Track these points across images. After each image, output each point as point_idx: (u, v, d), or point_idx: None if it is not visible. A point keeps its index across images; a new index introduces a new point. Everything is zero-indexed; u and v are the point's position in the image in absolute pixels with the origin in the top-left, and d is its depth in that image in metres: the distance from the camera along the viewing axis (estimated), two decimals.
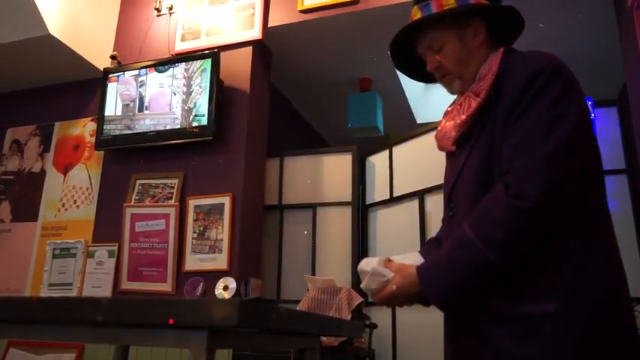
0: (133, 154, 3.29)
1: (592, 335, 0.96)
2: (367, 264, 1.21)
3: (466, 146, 1.15)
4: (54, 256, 3.26)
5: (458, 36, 1.19)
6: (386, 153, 3.36)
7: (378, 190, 3.35)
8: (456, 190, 1.17)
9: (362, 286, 1.22)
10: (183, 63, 3.22)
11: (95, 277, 3.12)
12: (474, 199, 1.07)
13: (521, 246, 0.99)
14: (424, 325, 2.68)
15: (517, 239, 0.99)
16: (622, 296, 1.05)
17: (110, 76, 3.39)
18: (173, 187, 3.13)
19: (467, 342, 1.08)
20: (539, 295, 0.98)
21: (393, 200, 3.23)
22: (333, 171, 3.36)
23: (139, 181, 3.23)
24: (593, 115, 2.23)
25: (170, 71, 3.24)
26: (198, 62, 3.17)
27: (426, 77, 1.32)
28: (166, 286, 2.93)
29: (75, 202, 3.38)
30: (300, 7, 3.20)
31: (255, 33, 3.22)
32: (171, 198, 3.10)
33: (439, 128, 1.29)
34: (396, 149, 3.31)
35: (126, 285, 3.02)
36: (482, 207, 1.04)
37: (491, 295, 1.03)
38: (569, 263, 0.99)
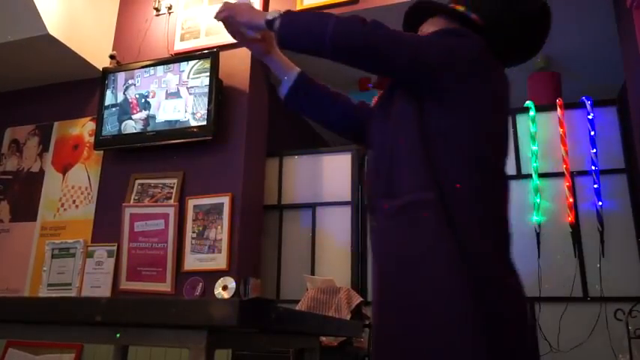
0: (132, 154, 3.29)
1: (466, 218, 1.11)
2: None
3: None
4: (53, 256, 3.25)
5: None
6: None
7: None
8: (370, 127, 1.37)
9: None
10: (183, 63, 3.22)
11: (94, 277, 3.12)
12: (377, 132, 1.29)
13: (348, 49, 1.22)
14: None
15: (348, 41, 1.22)
16: (490, 192, 1.18)
17: (109, 75, 3.39)
18: (172, 187, 3.13)
19: (373, 255, 1.24)
20: (418, 188, 1.14)
21: None
22: (333, 171, 3.36)
23: (138, 181, 3.22)
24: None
25: (169, 71, 3.24)
26: (198, 62, 3.17)
27: None
28: (165, 286, 2.93)
29: (74, 202, 3.38)
30: (299, 7, 3.20)
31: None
32: (170, 198, 3.10)
33: None
34: None
35: (125, 285, 3.02)
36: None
37: (379, 197, 1.20)
38: (443, 163, 1.16)
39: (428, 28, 1.34)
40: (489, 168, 1.20)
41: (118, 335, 0.94)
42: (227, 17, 1.34)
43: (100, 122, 3.32)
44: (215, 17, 1.37)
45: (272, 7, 3.31)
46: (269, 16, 1.27)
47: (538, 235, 2.74)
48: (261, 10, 3.22)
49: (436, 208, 1.11)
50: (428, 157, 1.15)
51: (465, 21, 1.29)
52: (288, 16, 1.26)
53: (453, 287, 1.07)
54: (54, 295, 3.15)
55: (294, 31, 1.25)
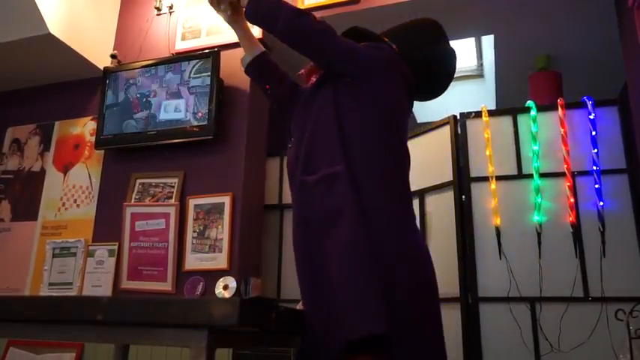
0: (133, 154, 3.29)
1: (369, 185, 1.38)
2: None
3: None
4: (54, 256, 3.26)
5: None
6: None
7: None
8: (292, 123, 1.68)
9: None
10: (184, 62, 3.22)
11: (95, 277, 3.12)
12: (298, 123, 1.60)
13: (295, 33, 1.50)
14: None
15: (297, 30, 1.50)
16: (393, 165, 1.47)
17: (110, 75, 3.39)
18: (173, 187, 3.13)
19: (294, 223, 1.51)
20: (330, 164, 1.41)
21: None
22: None
23: (139, 181, 3.22)
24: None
25: (170, 70, 3.24)
26: (199, 62, 3.17)
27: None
28: (166, 286, 2.93)
29: (75, 201, 3.38)
30: (300, 7, 3.19)
31: (256, 32, 3.21)
32: (171, 197, 3.10)
33: None
34: None
35: (126, 284, 3.02)
36: None
37: (302, 174, 1.46)
38: (351, 142, 1.43)
39: None
40: (389, 149, 1.46)
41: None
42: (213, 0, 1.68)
43: (101, 122, 3.32)
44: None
45: None
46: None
47: (539, 235, 2.74)
48: None
49: (344, 178, 1.37)
50: (340, 138, 1.42)
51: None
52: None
53: (354, 240, 1.30)
54: (55, 294, 3.15)
55: (256, 9, 1.55)
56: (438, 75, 1.68)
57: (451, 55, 1.69)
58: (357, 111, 1.46)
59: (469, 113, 3.03)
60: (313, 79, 1.65)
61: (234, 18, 1.72)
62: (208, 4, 1.72)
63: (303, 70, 1.71)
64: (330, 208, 1.37)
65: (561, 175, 2.80)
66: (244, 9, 1.57)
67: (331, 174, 1.39)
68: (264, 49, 1.79)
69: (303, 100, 1.62)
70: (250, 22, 1.64)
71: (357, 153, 1.40)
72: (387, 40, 1.65)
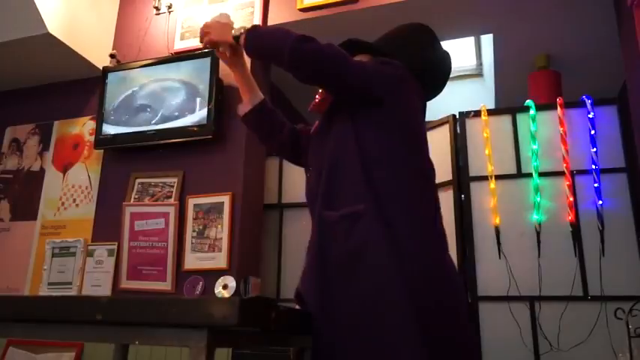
0: (132, 153, 3.29)
1: (393, 226, 1.28)
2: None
3: None
4: (53, 255, 3.25)
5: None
6: None
7: None
8: (309, 152, 1.60)
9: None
10: (183, 62, 3.21)
11: (94, 276, 3.12)
12: (315, 152, 1.51)
13: (304, 63, 1.37)
14: None
15: (303, 57, 1.37)
16: (419, 198, 1.36)
17: (110, 74, 3.39)
18: (172, 186, 3.13)
19: (308, 256, 1.45)
20: (352, 202, 1.32)
21: None
22: None
23: (138, 180, 3.22)
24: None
25: (169, 70, 3.24)
26: (198, 61, 3.17)
27: None
28: (166, 285, 2.93)
29: (74, 200, 3.38)
30: (299, 6, 3.19)
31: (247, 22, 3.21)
32: (170, 197, 3.10)
33: None
34: None
35: (125, 284, 3.02)
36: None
37: (322, 208, 1.38)
38: (376, 174, 1.34)
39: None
40: (416, 172, 1.38)
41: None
42: (209, 41, 1.57)
43: (100, 121, 3.32)
44: (201, 43, 1.61)
45: (272, 5, 3.31)
46: (235, 32, 1.49)
47: (538, 234, 2.74)
48: (262, 13, 3.24)
49: (369, 216, 1.28)
50: (362, 171, 1.33)
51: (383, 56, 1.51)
52: (252, 32, 1.46)
53: (384, 283, 1.22)
54: (54, 294, 3.15)
55: (258, 44, 1.46)
56: (437, 79, 1.64)
57: (447, 57, 1.64)
58: (381, 140, 1.37)
59: (468, 112, 3.03)
60: (325, 108, 1.55)
61: (234, 60, 1.61)
62: (203, 45, 1.62)
63: (313, 105, 1.58)
64: (354, 248, 1.28)
65: (560, 174, 2.80)
66: (244, 47, 1.47)
67: (355, 212, 1.30)
68: (263, 97, 1.68)
69: (318, 130, 1.53)
70: (253, 58, 1.55)
71: (382, 187, 1.32)
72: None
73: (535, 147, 2.87)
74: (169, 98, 3.19)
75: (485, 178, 2.88)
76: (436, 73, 1.61)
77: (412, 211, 1.32)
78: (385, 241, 1.25)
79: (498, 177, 2.88)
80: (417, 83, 1.51)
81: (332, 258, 1.33)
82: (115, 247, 3.11)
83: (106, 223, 3.20)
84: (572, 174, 2.78)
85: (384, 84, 1.40)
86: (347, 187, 1.35)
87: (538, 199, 2.79)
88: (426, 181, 1.42)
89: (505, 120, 2.99)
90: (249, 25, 1.50)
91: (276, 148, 1.75)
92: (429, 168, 1.44)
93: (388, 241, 1.25)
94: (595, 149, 2.78)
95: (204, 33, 1.57)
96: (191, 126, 3.07)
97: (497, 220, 2.80)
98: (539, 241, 2.74)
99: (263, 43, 1.45)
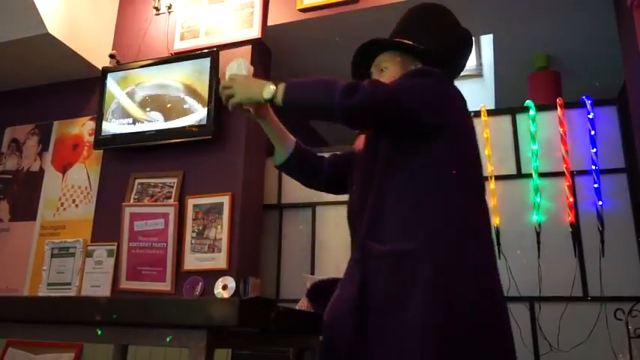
0: (131, 154, 3.29)
1: (443, 270, 1.18)
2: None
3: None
4: (53, 256, 3.25)
5: (401, 66, 1.44)
6: None
7: None
8: (355, 169, 1.46)
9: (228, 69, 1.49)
10: (183, 62, 3.21)
11: (94, 277, 3.11)
12: (362, 174, 1.38)
13: (359, 114, 1.26)
14: None
15: (356, 110, 1.25)
16: (473, 240, 1.26)
17: (109, 74, 3.38)
18: (172, 187, 3.12)
19: (346, 284, 1.30)
20: (401, 238, 1.23)
21: None
22: None
23: (137, 181, 3.22)
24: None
25: (169, 70, 3.23)
26: (198, 61, 3.17)
27: None
28: (165, 286, 2.93)
29: (74, 201, 3.37)
30: (299, 6, 3.19)
31: (255, 32, 3.22)
32: (170, 197, 3.09)
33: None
34: None
35: (125, 284, 3.02)
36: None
37: (367, 237, 1.28)
38: (428, 215, 1.24)
39: (386, 61, 1.46)
40: (472, 207, 1.29)
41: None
42: (235, 104, 1.40)
43: (99, 121, 3.32)
44: (226, 106, 1.43)
45: (271, 6, 3.30)
46: (267, 94, 1.33)
47: (538, 234, 2.74)
48: (262, 13, 3.23)
49: (420, 255, 1.19)
50: (414, 204, 1.25)
51: (414, 52, 1.44)
52: (288, 93, 1.31)
53: (426, 342, 1.13)
54: (54, 294, 3.14)
55: (297, 106, 1.34)
56: (467, 54, 1.55)
57: (467, 30, 1.54)
58: (438, 166, 1.28)
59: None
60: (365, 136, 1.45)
61: (261, 113, 1.48)
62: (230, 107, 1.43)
63: (355, 146, 1.49)
64: (399, 288, 1.20)
65: (560, 174, 2.80)
66: (280, 110, 1.34)
67: (405, 251, 1.22)
68: (295, 139, 1.58)
69: (365, 148, 1.41)
70: (293, 115, 1.40)
71: (435, 224, 1.23)
72: (411, 42, 1.44)
73: (535, 147, 2.87)
74: (169, 98, 3.18)
75: (485, 178, 2.88)
76: (466, 49, 1.53)
77: (465, 256, 1.22)
78: (432, 293, 1.16)
79: (498, 177, 2.88)
80: (452, 82, 1.44)
81: (375, 295, 1.23)
82: (115, 247, 3.10)
83: (106, 224, 3.20)
84: (572, 174, 2.78)
85: (437, 110, 1.29)
86: (395, 220, 1.26)
87: (538, 199, 2.78)
88: (482, 216, 1.32)
89: (505, 120, 2.99)
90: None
91: (323, 185, 1.67)
92: (484, 204, 1.34)
93: (435, 291, 1.16)
94: (595, 150, 2.78)
95: (227, 95, 1.40)
96: (191, 126, 3.07)
97: (497, 221, 2.80)
98: (538, 242, 2.73)
99: (303, 105, 1.33)
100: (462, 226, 1.25)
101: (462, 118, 1.37)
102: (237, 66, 1.49)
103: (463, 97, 1.41)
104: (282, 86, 1.32)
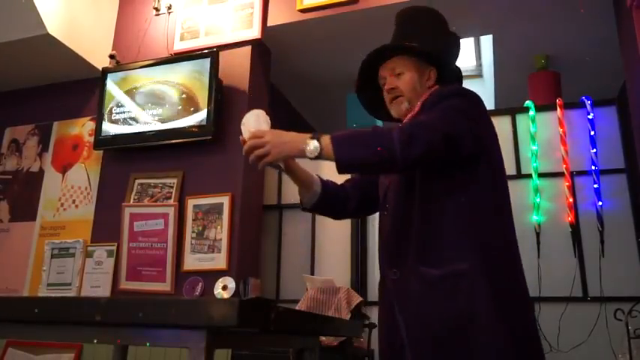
0: (131, 154, 3.29)
1: (498, 287, 1.22)
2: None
3: None
4: (52, 256, 3.25)
5: (418, 71, 1.46)
6: None
7: None
8: (389, 191, 1.43)
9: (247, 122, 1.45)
10: (182, 62, 3.21)
11: (94, 277, 3.11)
12: (400, 197, 1.37)
13: (420, 160, 1.25)
14: None
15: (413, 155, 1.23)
16: (517, 264, 1.33)
17: (109, 75, 3.38)
18: (172, 187, 3.12)
19: (405, 313, 1.29)
20: (456, 259, 1.24)
21: None
22: (332, 171, 3.35)
23: (137, 181, 3.22)
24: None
25: (169, 71, 3.23)
26: (197, 62, 3.16)
27: (376, 112, 1.66)
28: (165, 286, 2.93)
29: (74, 201, 3.37)
30: (299, 7, 3.19)
31: (255, 32, 3.22)
32: (170, 197, 3.09)
33: None
34: None
35: (125, 285, 3.02)
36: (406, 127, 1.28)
37: (417, 261, 1.28)
38: (477, 237, 1.26)
39: (401, 67, 1.46)
40: (507, 209, 1.33)
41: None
42: (267, 163, 1.37)
43: (99, 122, 3.32)
44: (254, 163, 1.40)
45: (271, 6, 3.30)
46: (311, 153, 1.29)
47: (538, 234, 2.74)
48: (261, 14, 3.24)
49: (477, 275, 1.22)
50: (466, 227, 1.27)
51: (428, 57, 1.46)
52: (338, 150, 1.28)
53: (497, 349, 1.17)
54: (53, 294, 3.14)
55: (351, 163, 1.31)
56: (456, 59, 1.61)
57: (458, 36, 1.59)
58: (482, 190, 1.30)
59: None
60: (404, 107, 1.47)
61: (290, 165, 1.48)
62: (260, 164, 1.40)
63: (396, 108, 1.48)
64: (460, 312, 1.21)
65: (560, 174, 2.80)
66: (336, 161, 1.29)
67: (461, 271, 1.23)
68: (320, 179, 1.57)
69: (397, 180, 1.41)
70: (349, 172, 1.38)
71: (485, 241, 1.26)
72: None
73: (535, 148, 2.87)
74: (169, 99, 3.18)
75: None
76: (459, 50, 1.60)
77: (514, 265, 1.31)
78: (493, 315, 1.20)
79: None
80: (481, 101, 1.42)
81: (438, 319, 1.23)
82: (115, 247, 3.10)
83: (106, 224, 3.20)
84: (572, 175, 2.78)
85: (479, 138, 1.31)
86: (446, 242, 1.27)
87: (538, 199, 2.78)
88: (514, 235, 1.35)
89: (505, 121, 2.99)
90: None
91: (353, 215, 1.71)
92: (512, 224, 1.35)
93: (496, 314, 1.20)
94: (595, 150, 2.78)
95: (259, 155, 1.38)
96: (190, 126, 3.07)
97: None
98: (538, 242, 2.73)
99: (362, 162, 1.30)
100: (507, 251, 1.30)
101: (497, 141, 1.39)
102: (256, 118, 1.45)
103: (490, 117, 1.42)
104: (326, 142, 1.27)
